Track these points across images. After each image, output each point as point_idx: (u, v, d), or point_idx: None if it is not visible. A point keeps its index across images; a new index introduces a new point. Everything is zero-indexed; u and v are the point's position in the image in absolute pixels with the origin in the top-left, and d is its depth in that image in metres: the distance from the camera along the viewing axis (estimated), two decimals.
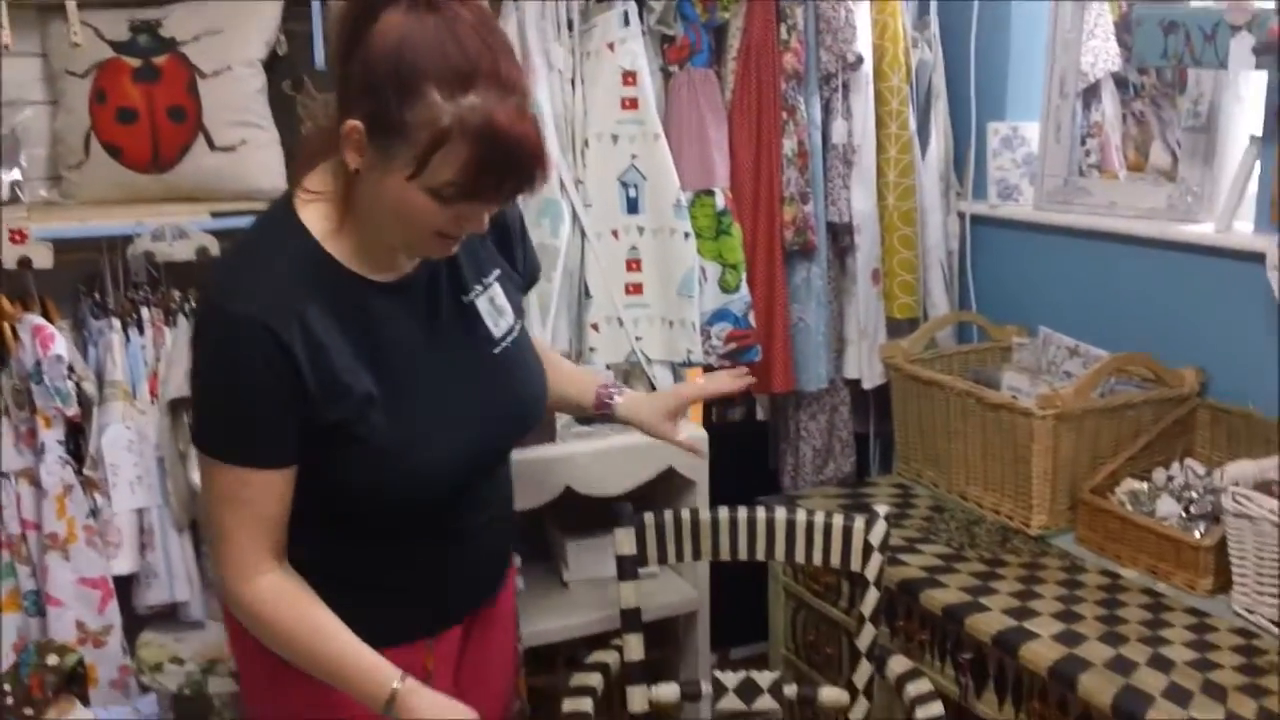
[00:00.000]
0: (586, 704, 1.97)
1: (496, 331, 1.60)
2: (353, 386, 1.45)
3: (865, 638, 2.05)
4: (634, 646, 2.07)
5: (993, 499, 2.46)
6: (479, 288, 1.60)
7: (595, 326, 2.54)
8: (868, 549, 2.03)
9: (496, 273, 1.63)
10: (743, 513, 2.08)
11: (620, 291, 2.56)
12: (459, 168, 1.35)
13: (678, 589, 2.49)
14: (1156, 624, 2.00)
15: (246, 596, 1.47)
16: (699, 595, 2.47)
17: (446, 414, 1.53)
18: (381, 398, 1.47)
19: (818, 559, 2.08)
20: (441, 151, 1.34)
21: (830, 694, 2.09)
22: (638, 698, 2.07)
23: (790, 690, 2.09)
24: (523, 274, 1.72)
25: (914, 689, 1.95)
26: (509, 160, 1.37)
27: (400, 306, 1.51)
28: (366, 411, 1.46)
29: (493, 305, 1.61)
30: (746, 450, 2.95)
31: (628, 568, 2.04)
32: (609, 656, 2.06)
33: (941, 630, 2.16)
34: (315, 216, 1.47)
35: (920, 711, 1.87)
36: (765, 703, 2.09)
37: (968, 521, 2.45)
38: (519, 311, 1.66)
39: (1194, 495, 2.19)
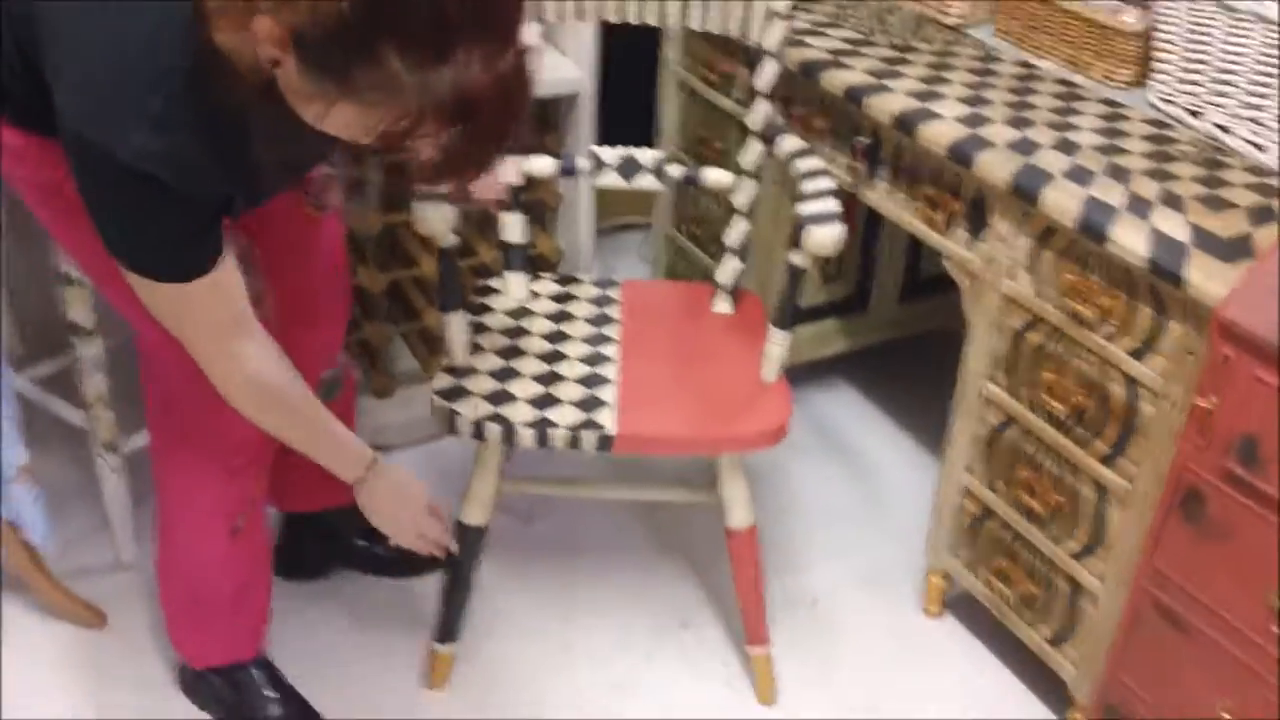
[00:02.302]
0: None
1: None
2: None
3: (758, 115, 1.90)
4: None
5: None
6: None
7: None
8: (769, 15, 1.84)
9: None
10: None
11: None
12: (424, 148, 1.03)
13: (560, 67, 2.29)
14: (1067, 111, 1.88)
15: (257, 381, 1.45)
16: (583, 76, 2.28)
17: None
18: None
19: (714, 26, 1.89)
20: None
21: (715, 174, 1.97)
22: (509, 167, 1.93)
23: (674, 169, 1.97)
24: None
25: (804, 164, 1.82)
26: (494, 137, 1.05)
27: None
28: None
29: None
30: None
31: None
32: None
33: (840, 114, 2.03)
34: None
35: (809, 185, 1.76)
36: (646, 181, 1.97)
37: (881, 10, 2.26)
38: None
39: None
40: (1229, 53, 1.77)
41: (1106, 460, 1.70)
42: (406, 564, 2.15)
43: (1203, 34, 1.79)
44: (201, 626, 1.82)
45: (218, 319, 1.39)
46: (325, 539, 2.14)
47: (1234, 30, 1.74)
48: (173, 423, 1.66)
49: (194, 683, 1.88)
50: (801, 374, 2.65)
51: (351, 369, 2.03)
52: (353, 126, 1.07)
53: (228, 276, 1.36)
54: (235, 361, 1.43)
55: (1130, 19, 1.94)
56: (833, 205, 1.70)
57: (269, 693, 1.86)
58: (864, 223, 2.51)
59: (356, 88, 1.02)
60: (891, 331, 2.69)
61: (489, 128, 1.05)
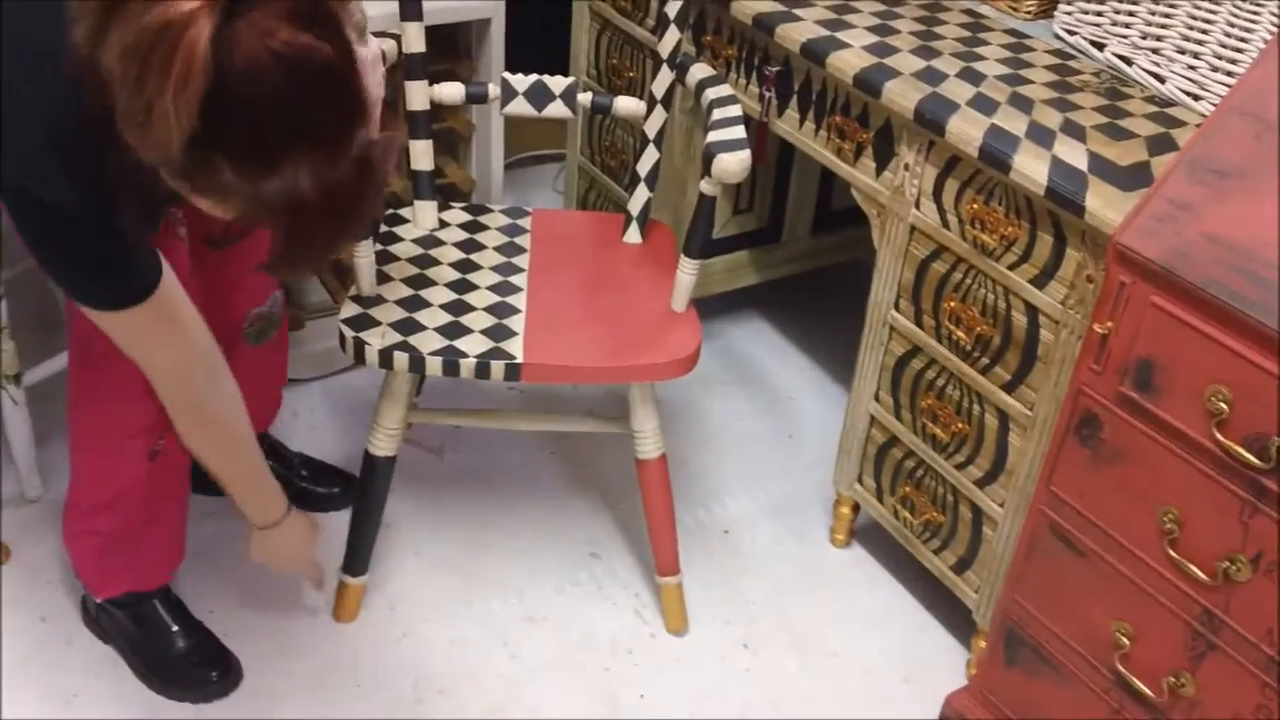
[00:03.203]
0: None
1: None
2: None
3: (668, 42, 1.89)
4: (414, 36, 1.86)
5: None
6: None
7: None
8: None
9: None
10: None
11: None
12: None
13: None
14: (973, 42, 1.89)
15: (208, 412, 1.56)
16: (494, 3, 2.24)
17: None
18: None
19: None
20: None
21: (626, 103, 1.96)
22: (417, 94, 1.89)
23: (584, 97, 1.95)
24: None
25: (713, 92, 1.82)
26: (326, 236, 1.15)
27: None
28: None
29: None
30: None
31: None
32: (385, 44, 1.85)
33: (750, 43, 2.01)
34: None
35: (718, 112, 1.75)
36: (557, 109, 1.95)
37: None
38: None
39: None
40: None
41: (1008, 387, 1.73)
42: (315, 497, 2.14)
43: None
44: (109, 551, 1.78)
45: (173, 347, 1.47)
46: None
47: None
48: (96, 343, 1.61)
49: (97, 615, 1.86)
50: (714, 306, 2.66)
51: (285, 314, 2.00)
52: (213, 209, 1.16)
53: (174, 306, 1.43)
54: (188, 391, 1.52)
55: None
56: (740, 132, 1.69)
57: (173, 625, 1.84)
58: (776, 155, 2.51)
59: (203, 188, 1.12)
60: (803, 263, 2.71)
61: (321, 229, 1.13)
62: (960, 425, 1.82)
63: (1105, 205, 1.49)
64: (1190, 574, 1.46)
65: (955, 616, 2.04)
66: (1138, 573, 1.53)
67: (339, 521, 2.05)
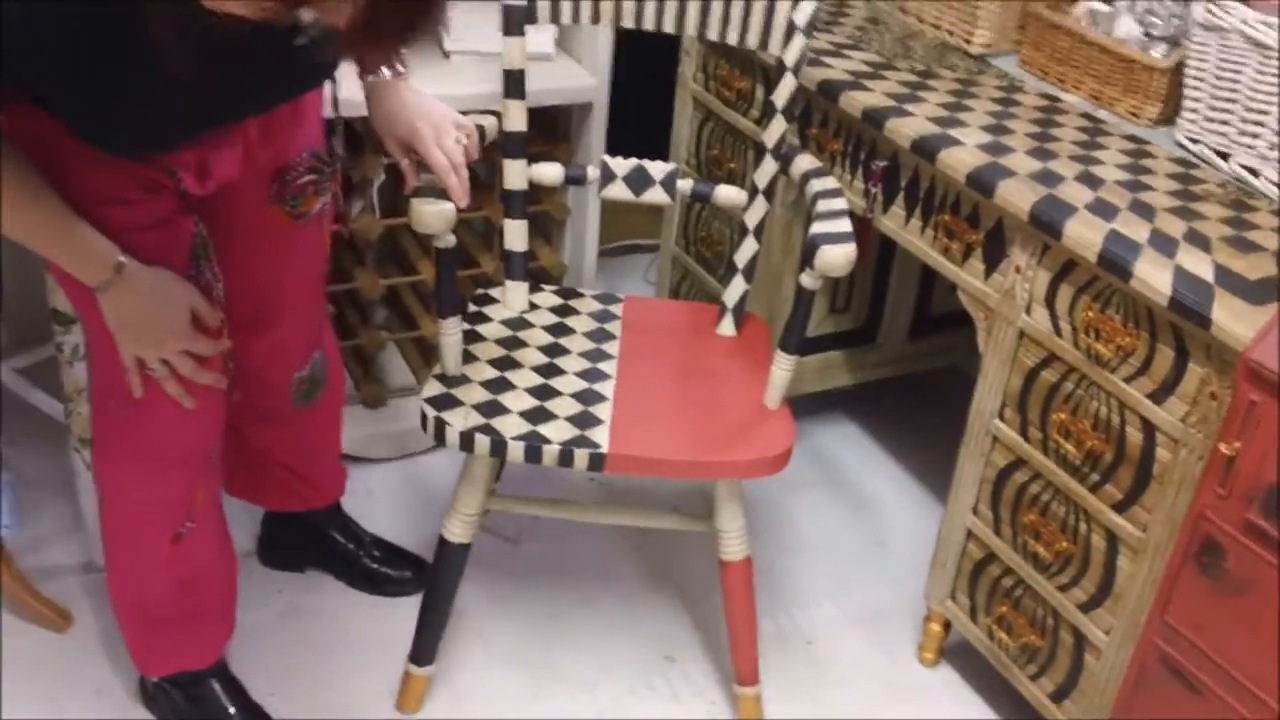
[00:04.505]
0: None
1: None
2: None
3: (774, 132, 1.85)
4: (515, 115, 1.84)
5: (934, 11, 2.20)
6: None
7: None
8: (790, 30, 1.79)
9: None
10: None
11: None
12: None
13: (574, 75, 2.24)
14: (1091, 146, 1.82)
15: None
16: (597, 84, 2.23)
17: None
18: None
19: (733, 37, 1.83)
20: None
21: (727, 192, 1.91)
22: (515, 173, 1.87)
23: (684, 184, 1.91)
24: None
25: (819, 184, 1.77)
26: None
27: None
28: None
29: None
30: None
31: (514, 21, 1.79)
32: (485, 121, 1.83)
33: (857, 137, 1.97)
34: None
35: (823, 204, 1.70)
36: (656, 194, 1.91)
37: (904, 34, 2.21)
38: None
39: (1158, 19, 1.96)
40: (1259, 93, 1.71)
41: (1119, 507, 1.63)
42: (385, 580, 2.09)
43: (1233, 73, 1.73)
44: (150, 633, 1.74)
45: None
46: (304, 530, 2.09)
47: (1265, 69, 1.69)
48: (108, 418, 1.59)
49: (154, 694, 1.81)
50: (804, 407, 2.58)
51: (339, 375, 1.97)
52: None
53: None
54: None
55: (1159, 54, 1.88)
56: (846, 225, 1.64)
57: (230, 707, 1.78)
58: (876, 255, 2.45)
59: None
60: (899, 367, 2.62)
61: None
62: (1065, 544, 1.72)
63: (1233, 319, 1.41)
64: None
65: None
66: (1258, 715, 1.42)
67: (409, 606, 1.99)
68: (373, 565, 2.09)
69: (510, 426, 1.66)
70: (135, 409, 1.53)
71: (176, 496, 1.63)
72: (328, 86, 1.62)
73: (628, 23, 1.85)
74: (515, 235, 1.91)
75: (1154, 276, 1.49)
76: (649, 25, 1.85)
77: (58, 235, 1.36)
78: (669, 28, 1.84)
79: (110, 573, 1.72)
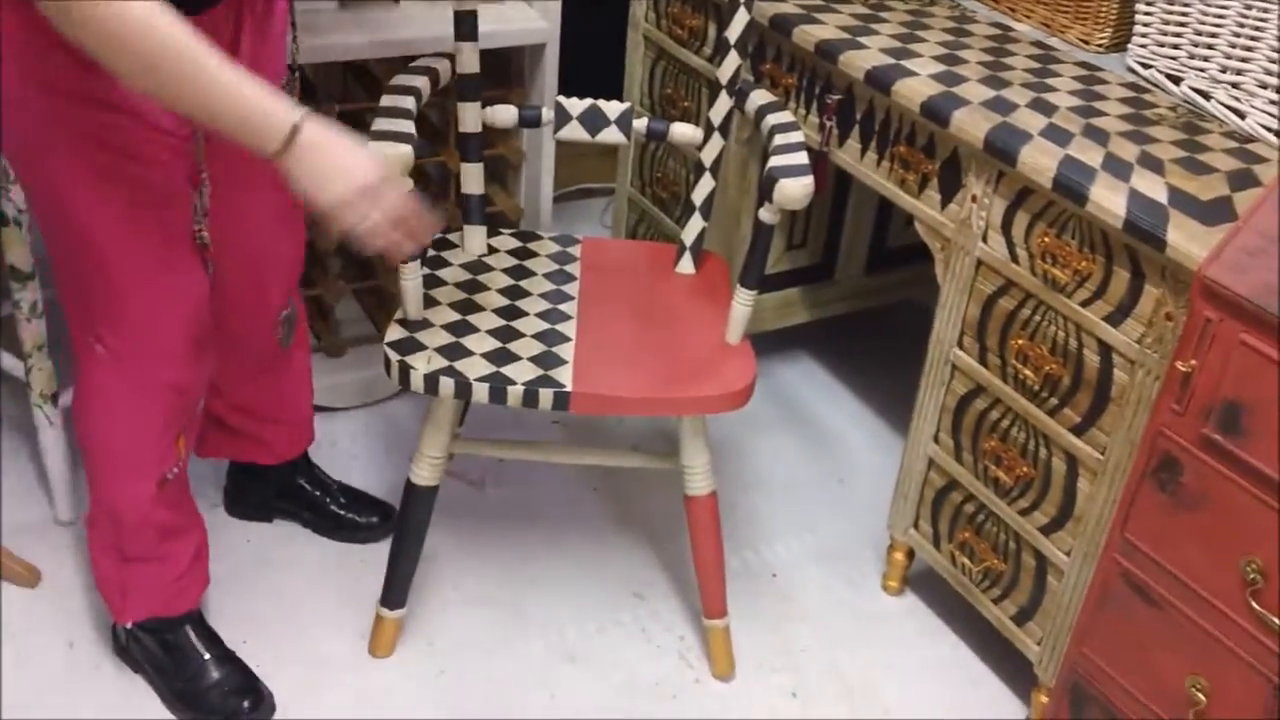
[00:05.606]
0: (403, 124, 1.63)
1: None
2: None
3: (727, 68, 1.84)
4: (468, 57, 1.82)
5: None
6: None
7: None
8: None
9: None
10: None
11: None
12: None
13: (525, 16, 2.22)
14: (1044, 73, 1.83)
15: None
16: (549, 26, 2.21)
17: None
18: None
19: None
20: None
21: (683, 129, 1.90)
22: (469, 116, 1.85)
23: (640, 123, 1.90)
24: None
25: (774, 118, 1.76)
26: None
27: None
28: None
29: None
30: None
31: None
32: (438, 64, 1.81)
33: (811, 71, 1.97)
34: None
35: (779, 138, 1.70)
36: (611, 134, 1.90)
37: None
38: None
39: None
40: (1209, 16, 1.73)
41: (1077, 430, 1.65)
42: (353, 526, 2.09)
43: None
44: (126, 575, 1.74)
45: None
46: (272, 481, 2.09)
47: None
48: (89, 325, 1.58)
49: (126, 643, 1.80)
50: (764, 345, 2.60)
51: (304, 314, 1.96)
52: None
53: None
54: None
55: None
56: (804, 158, 1.64)
57: (204, 654, 1.78)
58: (831, 191, 2.45)
59: None
60: (856, 303, 2.64)
61: None
62: (1025, 469, 1.75)
63: (1188, 239, 1.43)
64: (1273, 627, 1.38)
65: (1014, 670, 1.95)
66: (1217, 625, 1.45)
67: (378, 553, 2.00)
68: (340, 512, 2.09)
69: (474, 368, 1.66)
70: (118, 299, 1.52)
71: (167, 445, 1.62)
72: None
73: None
74: (472, 179, 1.90)
75: (1109, 200, 1.50)
76: None
77: (234, 98, 1.27)
78: None
79: (93, 510, 1.72)
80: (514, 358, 1.69)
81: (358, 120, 2.08)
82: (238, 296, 1.75)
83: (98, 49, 1.20)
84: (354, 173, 1.34)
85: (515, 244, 1.97)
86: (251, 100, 1.27)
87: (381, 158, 1.41)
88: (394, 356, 1.67)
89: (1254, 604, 1.39)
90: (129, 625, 1.78)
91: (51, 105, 1.36)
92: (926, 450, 1.93)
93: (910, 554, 2.08)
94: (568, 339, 1.75)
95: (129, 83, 1.25)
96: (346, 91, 2.44)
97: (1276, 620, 1.37)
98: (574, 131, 1.90)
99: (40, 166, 1.43)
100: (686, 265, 1.95)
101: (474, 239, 1.94)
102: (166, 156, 1.46)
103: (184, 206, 1.53)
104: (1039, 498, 1.74)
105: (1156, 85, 1.81)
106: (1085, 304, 1.60)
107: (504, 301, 1.82)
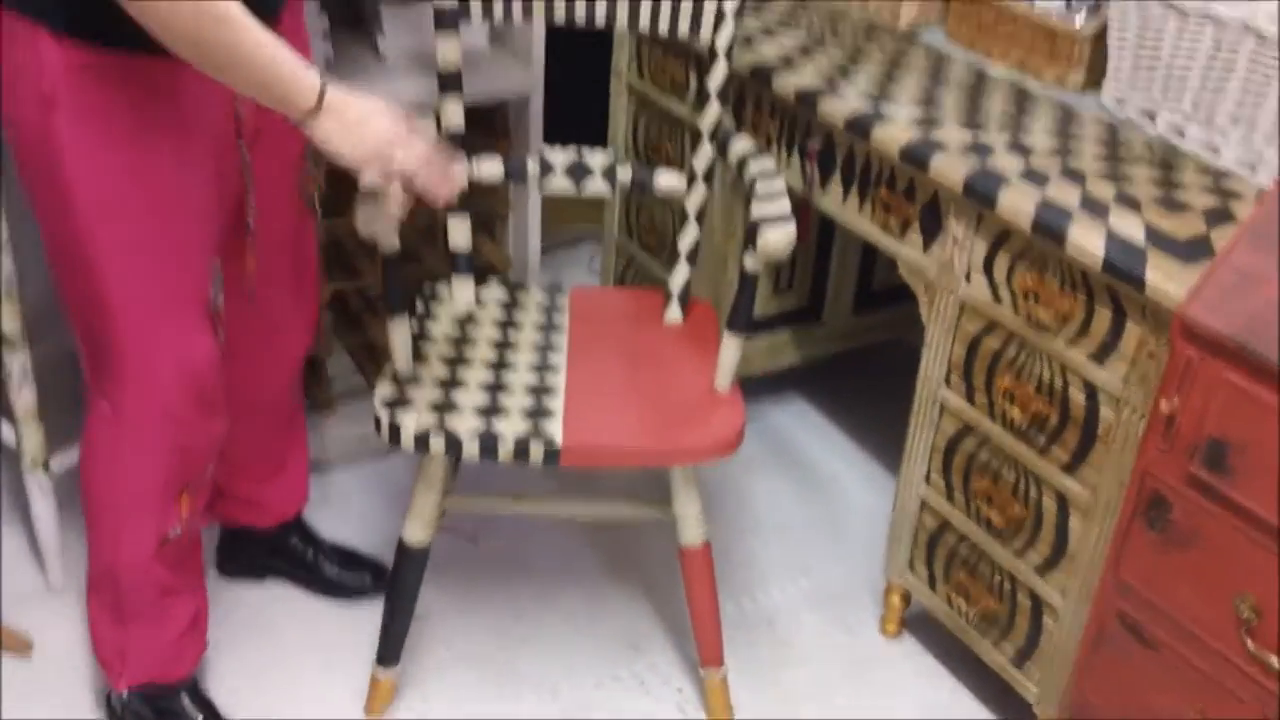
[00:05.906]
0: None
1: None
2: None
3: (709, 117, 1.86)
4: (453, 113, 1.84)
5: None
6: None
7: None
8: (720, 15, 1.80)
9: None
10: None
11: None
12: None
13: (509, 73, 2.24)
14: (1020, 115, 1.85)
15: None
16: (532, 79, 2.22)
17: None
18: None
19: (664, 27, 1.84)
20: None
21: (667, 178, 1.92)
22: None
23: (624, 173, 1.91)
24: None
25: (756, 166, 1.78)
26: None
27: None
28: None
29: None
30: None
31: (447, 19, 1.78)
32: (424, 122, 1.83)
33: (791, 118, 1.98)
34: None
35: (761, 186, 1.71)
36: (596, 185, 1.92)
37: (833, 13, 2.23)
38: None
39: None
40: (1179, 54, 1.74)
41: (1067, 469, 1.66)
42: (345, 587, 2.08)
43: (1154, 36, 1.77)
44: (123, 638, 1.73)
45: None
46: (264, 540, 2.08)
47: (1184, 31, 1.72)
48: (101, 371, 1.58)
49: (121, 713, 1.79)
50: (754, 387, 2.60)
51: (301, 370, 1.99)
52: None
53: None
54: None
55: (1080, 22, 1.91)
56: (785, 206, 1.65)
57: None
58: (817, 233, 2.47)
59: None
60: (845, 343, 2.65)
61: None
62: (1017, 509, 1.75)
63: (1166, 279, 1.44)
64: (1269, 665, 1.37)
65: (1013, 711, 1.94)
66: (1212, 665, 1.45)
67: (371, 610, 1.99)
68: (332, 572, 2.08)
69: (464, 423, 1.66)
70: (118, 356, 1.53)
71: (169, 502, 1.63)
72: None
73: (559, 20, 1.85)
74: (459, 232, 1.91)
75: (1087, 241, 1.52)
76: (580, 21, 1.85)
77: (273, 63, 1.34)
78: (600, 23, 1.85)
79: (92, 569, 1.71)
80: (504, 410, 1.69)
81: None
82: (250, 363, 1.78)
83: (148, 22, 1.26)
84: (381, 124, 1.43)
85: (504, 295, 1.98)
86: (287, 65, 1.35)
87: (402, 110, 1.48)
88: (384, 416, 1.67)
89: (1249, 642, 1.39)
90: (124, 693, 1.77)
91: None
92: (918, 491, 1.93)
93: (906, 596, 2.07)
94: (557, 391, 1.75)
95: (175, 49, 1.30)
96: None
97: (1271, 658, 1.36)
98: (560, 184, 1.91)
99: (63, 215, 1.44)
100: (674, 312, 1.96)
101: (462, 291, 1.95)
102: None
103: (200, 271, 1.54)
104: (1032, 538, 1.74)
105: (1132, 124, 1.83)
106: (1069, 343, 1.60)
107: (493, 354, 1.82)
